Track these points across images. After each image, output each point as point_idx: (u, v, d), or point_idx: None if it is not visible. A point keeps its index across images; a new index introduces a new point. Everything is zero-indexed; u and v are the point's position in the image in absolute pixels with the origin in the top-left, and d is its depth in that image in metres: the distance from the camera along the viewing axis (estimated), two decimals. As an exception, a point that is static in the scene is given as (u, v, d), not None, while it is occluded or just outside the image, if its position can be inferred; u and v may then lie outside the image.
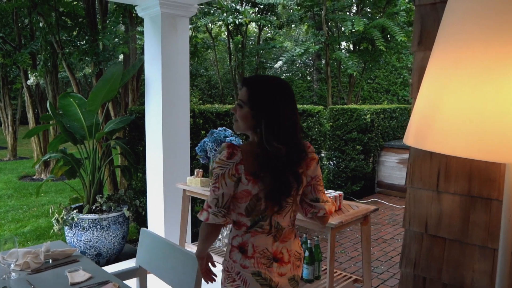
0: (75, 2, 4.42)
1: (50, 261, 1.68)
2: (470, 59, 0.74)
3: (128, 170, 3.61)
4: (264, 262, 1.27)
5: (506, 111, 0.68)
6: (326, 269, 2.28)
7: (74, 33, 4.38)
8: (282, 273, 1.29)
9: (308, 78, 12.97)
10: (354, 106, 5.75)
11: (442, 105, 0.78)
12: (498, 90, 0.69)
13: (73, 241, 3.22)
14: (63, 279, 1.51)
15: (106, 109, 3.75)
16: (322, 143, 5.17)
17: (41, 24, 4.33)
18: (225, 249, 2.75)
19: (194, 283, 1.58)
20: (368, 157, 5.68)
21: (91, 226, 3.18)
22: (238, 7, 6.29)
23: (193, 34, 6.91)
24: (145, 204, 3.50)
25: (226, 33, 8.71)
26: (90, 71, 4.47)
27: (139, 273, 1.91)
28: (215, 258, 2.64)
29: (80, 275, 1.52)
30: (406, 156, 5.49)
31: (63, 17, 4.42)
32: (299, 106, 5.07)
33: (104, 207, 3.27)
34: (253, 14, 7.02)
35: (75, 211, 3.25)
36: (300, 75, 13.08)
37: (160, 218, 3.20)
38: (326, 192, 1.92)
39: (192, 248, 2.85)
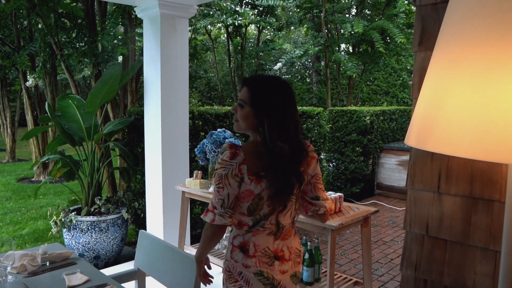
0: (74, 4, 4.41)
1: (47, 264, 1.66)
2: (472, 59, 0.74)
3: (127, 172, 3.59)
4: (266, 261, 1.27)
5: (508, 111, 0.67)
6: (326, 271, 2.27)
7: (73, 34, 4.37)
8: (284, 270, 1.30)
9: (308, 80, 12.99)
10: (354, 108, 5.75)
11: (444, 105, 0.78)
12: (500, 90, 0.69)
13: (72, 243, 3.20)
14: (60, 282, 1.50)
15: (105, 111, 3.73)
16: (322, 145, 5.17)
17: (40, 26, 4.32)
18: (224, 251, 2.73)
19: (193, 286, 1.56)
20: (367, 159, 5.68)
21: (89, 228, 3.16)
22: (237, 9, 6.29)
23: (193, 36, 6.91)
24: (144, 206, 3.48)
25: (225, 35, 8.72)
26: (89, 72, 4.45)
27: (138, 275, 1.90)
28: (214, 260, 2.62)
29: (78, 278, 1.50)
30: (405, 158, 5.49)
31: (62, 18, 4.41)
32: (298, 108, 5.06)
33: (102, 209, 3.25)
34: (253, 16, 7.03)
35: (73, 213, 3.23)
36: (299, 77, 13.10)
37: (159, 220, 3.18)
38: (327, 194, 1.90)
39: (192, 250, 2.83)
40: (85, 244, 3.17)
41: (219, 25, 8.72)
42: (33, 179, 6.92)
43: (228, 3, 6.33)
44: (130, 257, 3.35)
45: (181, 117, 3.20)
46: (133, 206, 3.48)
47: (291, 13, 8.55)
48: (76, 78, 8.87)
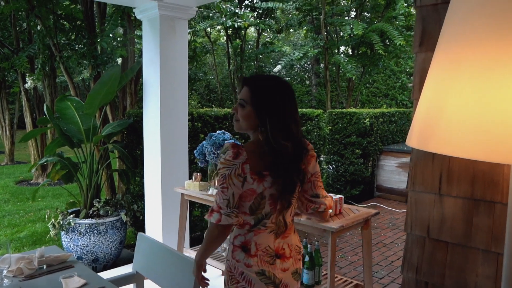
0: (73, 5, 4.41)
1: (44, 267, 1.64)
2: (473, 59, 0.73)
3: (126, 174, 3.58)
4: (267, 260, 1.28)
5: (510, 111, 0.66)
6: (326, 274, 2.25)
7: (72, 36, 4.37)
8: (285, 268, 1.31)
9: (307, 82, 13.00)
10: (353, 110, 5.74)
11: (446, 106, 0.77)
12: (502, 90, 0.68)
13: (70, 246, 3.18)
14: (57, 285, 1.48)
15: (103, 113, 3.72)
16: (321, 147, 5.16)
17: (39, 27, 4.31)
18: (223, 254, 2.71)
19: (192, 289, 1.54)
20: (367, 161, 5.67)
21: (88, 231, 3.14)
22: (237, 11, 6.30)
23: (192, 38, 6.91)
24: (143, 208, 3.46)
25: (225, 37, 8.72)
26: (88, 75, 4.45)
27: (136, 279, 1.88)
28: (213, 263, 2.60)
29: (75, 282, 1.48)
30: (405, 160, 5.48)
31: (61, 20, 4.41)
32: (298, 109, 5.05)
33: (101, 212, 3.23)
34: (252, 18, 7.04)
35: (71, 215, 3.21)
36: (298, 79, 13.11)
37: (158, 222, 3.16)
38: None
39: (191, 253, 2.81)
40: (84, 247, 3.14)
41: (219, 27, 8.73)
42: (31, 182, 6.90)
43: (228, 5, 6.33)
44: (129, 260, 3.33)
45: (181, 119, 3.19)
46: (132, 209, 3.46)
47: (290, 15, 8.56)
48: (75, 81, 8.87)
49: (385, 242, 3.97)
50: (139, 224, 3.73)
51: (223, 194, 1.23)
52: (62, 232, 3.20)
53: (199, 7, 5.88)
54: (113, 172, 4.01)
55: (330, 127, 5.55)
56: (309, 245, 2.16)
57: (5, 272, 1.47)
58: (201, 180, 2.72)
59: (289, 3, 7.11)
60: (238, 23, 6.19)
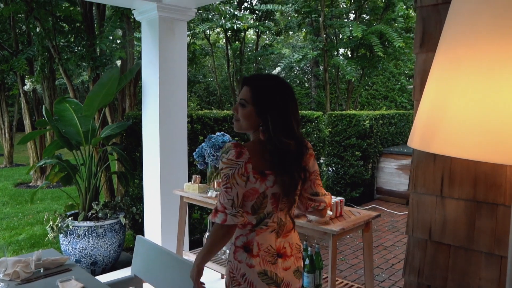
0: (72, 7, 4.40)
1: (41, 271, 1.62)
2: (476, 59, 0.72)
3: (125, 177, 3.56)
4: (269, 260, 1.28)
5: (515, 111, 0.65)
6: (327, 277, 2.23)
7: (72, 38, 4.36)
8: (287, 267, 1.32)
9: (306, 84, 13.01)
10: (353, 112, 5.74)
11: (448, 106, 0.77)
12: (506, 90, 0.67)
13: (68, 249, 3.15)
14: (55, 289, 1.46)
15: (102, 115, 3.71)
16: (321, 149, 5.14)
17: (38, 29, 4.31)
18: (223, 257, 2.69)
19: (191, 293, 1.52)
20: (367, 163, 5.65)
21: (86, 233, 3.11)
22: (236, 13, 6.30)
23: (191, 40, 6.91)
24: (142, 211, 3.44)
25: (224, 40, 8.73)
26: (87, 77, 4.44)
27: (134, 282, 1.86)
28: (214, 266, 2.58)
29: (72, 285, 1.46)
30: (405, 162, 5.47)
31: (60, 22, 4.40)
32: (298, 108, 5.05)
33: (100, 214, 3.21)
34: (251, 21, 7.04)
35: (70, 218, 3.18)
36: (298, 81, 13.12)
37: (157, 225, 3.14)
38: None
39: (190, 256, 2.79)
40: (82, 249, 3.12)
41: (218, 29, 8.74)
42: (30, 184, 6.87)
43: (227, 7, 6.34)
44: (128, 263, 3.31)
45: (180, 120, 3.17)
46: (131, 211, 3.44)
47: (289, 17, 8.58)
48: (74, 83, 8.86)
49: (386, 244, 3.95)
50: (138, 227, 3.71)
51: (227, 194, 1.23)
52: (61, 235, 3.17)
53: (198, 9, 5.88)
54: (112, 174, 4.00)
55: (329, 129, 5.54)
56: (309, 248, 2.14)
57: (1, 275, 1.46)
58: (201, 182, 2.70)
59: (288, 6, 7.12)
60: (238, 25, 6.20)
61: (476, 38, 0.72)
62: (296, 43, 12.71)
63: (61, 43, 4.46)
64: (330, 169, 5.62)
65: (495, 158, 0.67)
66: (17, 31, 6.54)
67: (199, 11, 6.16)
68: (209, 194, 2.57)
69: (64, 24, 4.48)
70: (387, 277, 3.20)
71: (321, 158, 5.44)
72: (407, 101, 10.57)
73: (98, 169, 3.43)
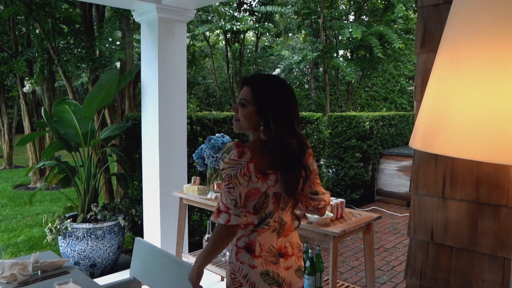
0: (71, 9, 4.40)
1: (39, 273, 1.61)
2: (478, 58, 0.72)
3: (124, 178, 3.54)
4: (271, 260, 1.28)
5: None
6: (328, 279, 2.21)
7: (71, 40, 4.35)
8: (288, 266, 1.32)
9: (306, 86, 13.01)
10: (353, 113, 5.73)
11: (451, 106, 0.76)
12: (508, 89, 0.66)
13: (67, 251, 3.13)
14: (52, 292, 1.44)
15: (102, 116, 3.70)
16: (321, 151, 5.13)
17: (37, 31, 4.30)
18: (222, 259, 2.67)
19: (190, 296, 1.50)
20: (367, 164, 5.64)
21: (85, 235, 3.10)
22: (235, 14, 6.30)
23: (191, 42, 6.91)
24: (141, 213, 3.42)
25: (223, 41, 8.73)
26: (86, 78, 4.43)
27: (133, 285, 1.84)
28: (213, 268, 2.56)
29: (70, 288, 1.45)
30: (405, 163, 5.46)
31: (60, 24, 4.39)
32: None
33: (99, 216, 3.20)
34: (251, 22, 7.05)
35: (69, 220, 3.16)
36: (297, 83, 13.12)
37: (156, 227, 3.13)
38: None
39: (189, 258, 2.77)
40: (81, 252, 3.10)
41: (218, 31, 8.74)
42: (29, 186, 6.85)
43: (226, 9, 6.34)
44: (127, 265, 3.27)
45: (179, 122, 3.16)
46: (130, 213, 3.42)
47: (289, 19, 8.58)
48: (74, 85, 8.85)
49: (387, 246, 3.93)
50: (137, 229, 3.69)
51: (229, 194, 1.22)
52: (59, 237, 3.15)
53: (198, 10, 5.88)
54: (111, 176, 3.98)
55: (329, 130, 5.52)
56: (310, 250, 2.13)
57: (-2, 278, 1.44)
58: (200, 184, 2.69)
59: (287, 7, 7.13)
60: (237, 27, 6.20)
61: (478, 38, 0.71)
62: (296, 45, 12.72)
63: (61, 45, 4.45)
64: (330, 170, 5.61)
65: (497, 159, 0.66)
66: (16, 32, 6.53)
67: (199, 13, 6.16)
68: (208, 196, 2.55)
69: (64, 26, 4.48)
70: (388, 279, 3.18)
71: (321, 160, 5.43)
72: (407, 103, 10.57)
73: (97, 170, 3.42)
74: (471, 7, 0.74)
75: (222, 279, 2.89)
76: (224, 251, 2.62)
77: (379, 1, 6.96)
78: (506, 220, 1.20)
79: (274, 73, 7.64)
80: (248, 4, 8.05)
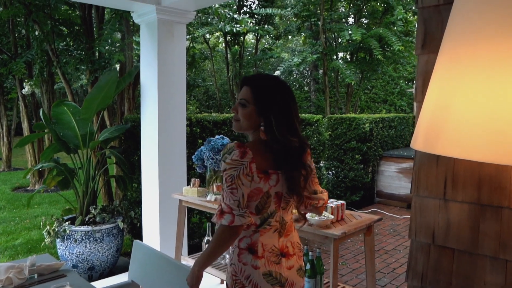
0: (71, 11, 4.39)
1: (35, 277, 1.59)
2: (480, 58, 0.71)
3: (123, 180, 3.52)
4: (274, 260, 1.29)
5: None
6: (328, 282, 2.20)
7: (71, 42, 4.35)
8: (290, 266, 1.33)
9: (306, 88, 13.02)
10: (353, 115, 5.72)
11: (452, 107, 0.75)
12: (510, 89, 0.66)
13: (65, 254, 3.11)
14: (49, 295, 1.42)
15: (101, 118, 3.68)
16: (321, 153, 5.12)
17: (36, 33, 4.29)
18: (222, 261, 2.65)
19: (189, 299, 1.49)
20: (367, 166, 5.63)
21: (83, 238, 3.08)
22: (235, 16, 6.31)
23: (191, 44, 6.91)
24: (141, 215, 3.41)
25: (223, 44, 8.74)
26: (86, 80, 4.42)
27: (132, 288, 1.82)
28: (213, 271, 2.54)
29: (67, 291, 1.43)
30: (405, 165, 5.45)
31: (59, 25, 4.39)
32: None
33: (97, 219, 3.18)
34: (251, 25, 7.05)
35: (67, 222, 3.15)
36: (297, 85, 13.13)
37: (155, 230, 3.11)
38: (328, 202, 1.98)
39: (189, 261, 2.75)
40: (79, 254, 3.08)
41: (217, 34, 8.75)
42: (28, 188, 6.83)
43: (226, 11, 6.34)
44: (125, 268, 3.26)
45: (179, 124, 3.15)
46: (129, 215, 3.40)
47: (289, 21, 8.59)
48: (73, 87, 8.85)
49: (387, 248, 3.91)
50: (136, 232, 3.67)
51: (232, 195, 1.21)
52: (58, 240, 3.13)
53: (198, 12, 5.88)
54: (110, 178, 3.96)
55: (329, 132, 5.52)
56: (310, 252, 2.11)
57: (-6, 281, 1.42)
58: (200, 186, 2.67)
59: (287, 9, 7.13)
60: (237, 29, 6.20)
61: (479, 38, 0.71)
62: (296, 47, 12.74)
63: (60, 47, 4.45)
64: (330, 172, 5.59)
65: (499, 159, 0.66)
66: (16, 34, 6.53)
67: (198, 15, 6.17)
68: (208, 198, 2.53)
69: (63, 27, 4.47)
70: (388, 281, 3.16)
71: (321, 162, 5.42)
72: (406, 105, 10.58)
73: (96, 172, 3.40)
74: (472, 8, 0.74)
75: (222, 282, 2.87)
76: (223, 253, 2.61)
77: (378, 3, 6.97)
78: (508, 222, 1.19)
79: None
80: (248, 6, 8.06)
